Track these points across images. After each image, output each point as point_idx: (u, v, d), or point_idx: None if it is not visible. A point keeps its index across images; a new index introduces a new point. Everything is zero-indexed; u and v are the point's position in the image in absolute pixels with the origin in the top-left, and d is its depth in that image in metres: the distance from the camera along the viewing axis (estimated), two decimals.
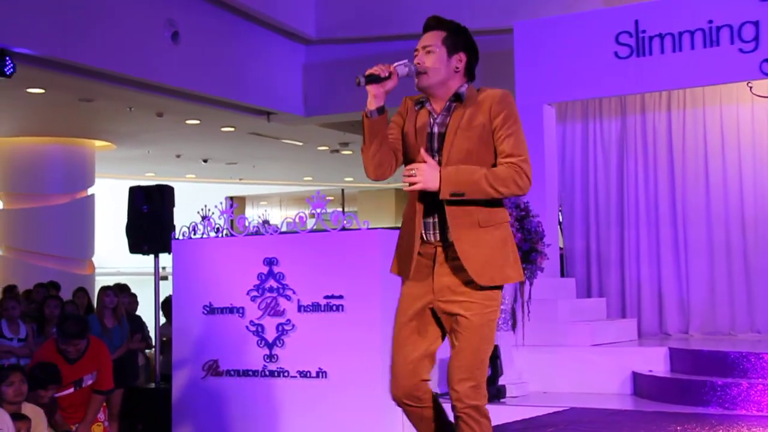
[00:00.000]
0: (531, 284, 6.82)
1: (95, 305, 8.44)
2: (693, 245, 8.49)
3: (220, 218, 7.15)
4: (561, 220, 9.11)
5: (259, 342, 6.77)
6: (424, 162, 3.04)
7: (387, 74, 3.05)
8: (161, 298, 8.55)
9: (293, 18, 10.46)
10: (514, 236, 6.31)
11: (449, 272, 3.10)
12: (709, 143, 8.47)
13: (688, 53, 7.70)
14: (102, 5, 8.46)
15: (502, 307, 6.65)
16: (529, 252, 6.65)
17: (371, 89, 3.06)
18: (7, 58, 7.74)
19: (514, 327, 6.84)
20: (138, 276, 13.01)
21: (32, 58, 8.13)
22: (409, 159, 3.18)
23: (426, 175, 3.01)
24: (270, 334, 6.75)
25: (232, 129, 12.31)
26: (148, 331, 8.57)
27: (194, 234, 7.16)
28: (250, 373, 6.79)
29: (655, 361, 6.89)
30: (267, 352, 6.74)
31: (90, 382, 5.90)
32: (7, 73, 7.77)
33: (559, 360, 7.00)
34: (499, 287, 3.15)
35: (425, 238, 3.14)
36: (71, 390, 5.84)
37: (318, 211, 6.64)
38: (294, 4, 10.48)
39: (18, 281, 10.98)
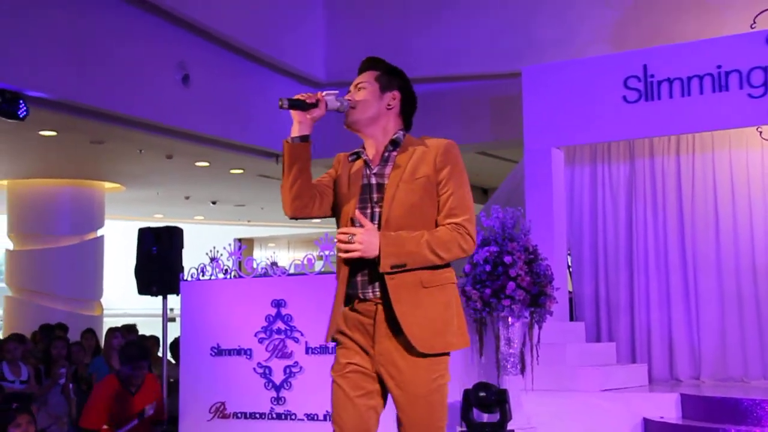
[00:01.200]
0: (540, 328, 6.77)
1: (103, 346, 8.42)
2: (703, 291, 8.43)
3: (228, 259, 7.15)
4: (570, 263, 9.08)
5: (267, 384, 6.73)
6: (361, 226, 2.85)
7: (314, 101, 2.95)
8: (169, 340, 8.52)
9: (303, 61, 10.55)
10: (522, 279, 6.35)
11: (390, 334, 2.88)
12: (718, 188, 8.46)
13: (697, 98, 7.73)
14: (114, 49, 8.55)
15: (510, 350, 6.66)
16: (538, 296, 6.62)
17: (295, 115, 2.97)
18: (21, 102, 7.82)
19: (522, 371, 6.78)
20: (146, 317, 13.00)
21: (45, 101, 8.21)
22: (339, 210, 3.02)
23: (365, 242, 2.80)
24: (277, 377, 6.70)
25: (241, 171, 12.36)
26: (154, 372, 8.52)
27: (203, 275, 7.16)
28: (258, 415, 6.74)
29: (667, 408, 6.81)
30: (274, 394, 6.70)
31: (151, 412, 5.88)
32: (21, 116, 7.84)
33: (568, 405, 6.93)
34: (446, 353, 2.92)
35: (363, 296, 2.93)
36: (135, 422, 5.79)
37: (326, 253, 6.63)
38: (304, 48, 10.58)
39: (26, 322, 11.00)
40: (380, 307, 2.91)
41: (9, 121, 7.88)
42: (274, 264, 7.06)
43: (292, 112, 2.96)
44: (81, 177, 12.69)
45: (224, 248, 7.30)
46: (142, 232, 7.98)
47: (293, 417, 6.61)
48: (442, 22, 9.96)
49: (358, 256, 2.84)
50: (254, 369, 6.79)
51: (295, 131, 2.98)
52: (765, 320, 8.19)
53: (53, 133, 9.71)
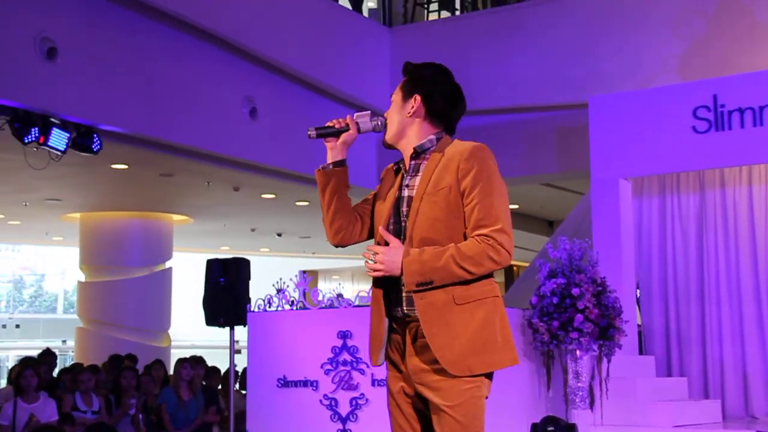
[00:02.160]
0: (609, 361, 6.66)
1: (172, 377, 8.52)
2: None
3: (295, 291, 7.19)
4: (638, 296, 8.92)
5: (333, 416, 6.73)
6: (386, 243, 2.76)
7: (343, 125, 2.90)
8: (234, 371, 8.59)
9: (367, 92, 10.63)
10: (590, 311, 6.26)
11: (420, 351, 2.76)
12: None
13: None
14: (184, 83, 8.74)
15: (578, 384, 6.56)
16: (607, 328, 6.52)
17: (328, 143, 2.92)
18: (95, 136, 8.03)
19: (591, 405, 6.67)
20: (212, 349, 13.12)
21: (118, 135, 8.41)
22: (374, 226, 2.93)
23: (387, 261, 2.71)
24: (343, 408, 6.70)
25: (307, 203, 12.46)
26: (223, 404, 8.59)
27: (269, 307, 7.21)
28: None
29: None
30: (341, 426, 6.69)
31: None
32: (95, 149, 8.05)
33: None
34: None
35: (394, 314, 2.81)
36: None
37: None
38: (368, 79, 10.66)
39: (97, 353, 11.20)
40: (411, 324, 2.79)
41: (83, 155, 8.09)
42: (339, 296, 7.08)
43: (325, 140, 2.92)
44: (150, 209, 12.93)
45: (291, 279, 7.35)
46: (210, 263, 8.07)
47: None
48: (508, 53, 9.96)
49: (381, 275, 2.75)
50: (320, 401, 6.79)
51: (328, 158, 2.95)
52: None
53: (124, 167, 9.93)
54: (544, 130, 9.71)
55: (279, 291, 7.21)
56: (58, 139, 7.72)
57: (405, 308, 2.77)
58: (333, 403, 6.74)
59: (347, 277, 23.04)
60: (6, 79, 7.20)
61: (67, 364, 13.72)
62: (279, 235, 15.80)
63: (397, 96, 2.93)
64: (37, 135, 7.54)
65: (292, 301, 7.19)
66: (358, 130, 2.92)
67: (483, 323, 2.71)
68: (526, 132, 9.84)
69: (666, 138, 8.06)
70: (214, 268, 7.99)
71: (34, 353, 11.20)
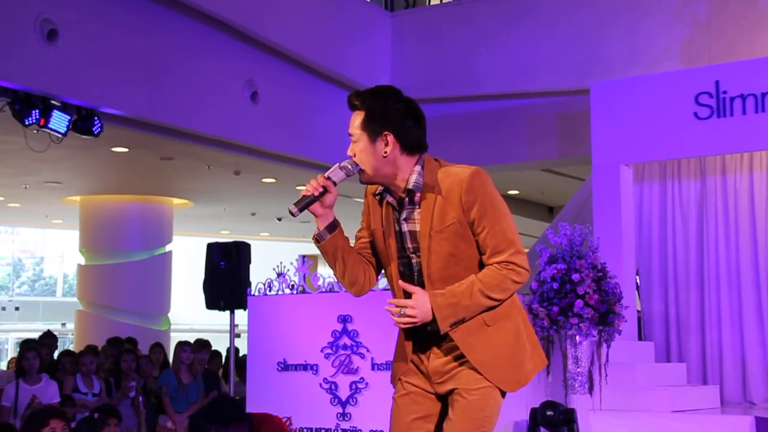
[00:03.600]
0: (608, 347, 6.67)
1: (171, 360, 8.54)
2: None
3: (295, 275, 7.21)
4: (638, 282, 8.93)
5: (333, 400, 6.75)
6: (410, 294, 2.74)
7: (321, 191, 2.73)
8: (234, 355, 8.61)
9: (369, 78, 10.60)
10: (590, 297, 6.27)
11: (440, 354, 2.84)
12: None
13: None
14: (185, 67, 8.73)
15: (578, 369, 6.57)
16: (607, 314, 6.53)
17: (313, 211, 2.75)
18: (96, 118, 8.01)
19: (591, 390, 6.68)
20: (212, 333, 13.15)
21: (119, 117, 8.41)
22: (381, 263, 2.91)
23: (418, 312, 2.72)
24: (343, 392, 6.72)
25: None
26: (223, 388, 8.61)
27: (269, 291, 7.23)
28: (324, 431, 6.76)
29: (740, 431, 6.64)
30: (340, 410, 6.71)
31: None
32: (95, 132, 8.04)
33: (637, 425, 6.80)
34: None
35: (417, 334, 2.86)
36: None
37: None
38: (370, 63, 10.64)
39: (97, 336, 11.21)
40: (434, 351, 2.87)
41: (84, 137, 8.08)
42: None
43: (307, 210, 2.75)
44: (151, 193, 12.92)
45: (291, 263, 7.36)
46: (210, 247, 8.10)
47: None
48: (510, 38, 9.94)
49: (413, 325, 2.77)
50: (320, 384, 6.82)
51: (320, 225, 2.79)
52: None
53: (125, 150, 9.92)
54: (546, 115, 9.70)
55: (279, 275, 7.23)
56: (59, 121, 7.71)
57: (432, 326, 2.78)
58: (333, 387, 6.77)
59: None
60: (6, 60, 7.18)
61: (67, 347, 13.77)
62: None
63: (360, 136, 2.75)
64: (37, 117, 7.53)
65: (293, 285, 7.21)
66: (334, 185, 2.76)
67: (515, 336, 2.82)
68: (527, 117, 9.83)
69: (667, 124, 8.05)
70: (215, 251, 8.02)
71: (34, 336, 11.23)
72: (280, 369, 7.03)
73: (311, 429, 6.81)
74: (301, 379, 6.91)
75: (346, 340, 6.79)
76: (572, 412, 6.20)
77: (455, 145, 10.15)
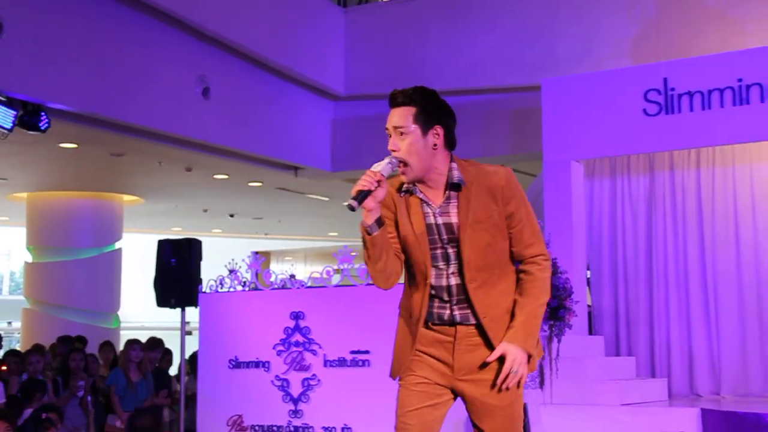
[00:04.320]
0: (559, 341, 6.73)
1: (121, 359, 8.43)
2: (723, 305, 8.36)
3: (247, 272, 7.16)
4: (589, 277, 9.02)
5: (285, 397, 6.72)
6: (504, 355, 2.89)
7: (375, 186, 2.81)
8: (186, 353, 8.53)
9: (322, 74, 10.58)
10: None
11: (470, 350, 2.97)
12: (739, 202, 8.39)
13: (718, 111, 7.68)
14: (135, 62, 8.61)
15: None
16: (557, 309, 6.59)
17: (365, 205, 2.82)
18: (42, 114, 7.87)
19: (542, 384, 6.74)
20: (163, 331, 13.01)
21: (66, 113, 8.27)
22: (409, 255, 2.99)
23: (521, 363, 2.89)
24: (295, 389, 6.69)
25: (260, 184, 12.39)
26: (175, 387, 8.52)
27: (221, 287, 7.17)
28: (275, 428, 6.73)
29: (687, 423, 6.74)
30: (292, 407, 6.68)
31: None
32: (42, 128, 7.89)
33: (587, 419, 6.87)
34: None
35: (439, 320, 2.99)
36: None
37: (345, 266, 6.63)
38: (323, 61, 10.61)
39: (44, 334, 11.04)
40: (458, 327, 2.98)
41: (30, 133, 7.94)
42: (292, 276, 7.07)
43: (353, 203, 2.83)
44: (100, 189, 12.75)
45: (243, 260, 7.31)
46: (161, 244, 8.00)
47: (311, 430, 6.59)
48: (462, 35, 9.97)
49: (526, 372, 2.92)
50: (272, 381, 6.78)
51: (369, 218, 2.84)
52: None
53: (74, 146, 9.77)
54: (498, 111, 9.75)
55: (231, 272, 7.18)
56: (4, 116, 7.56)
57: (453, 314, 2.97)
58: (285, 384, 6.73)
59: (300, 259, 22.98)
60: None
61: (13, 347, 13.53)
62: (231, 215, 15.70)
63: (413, 130, 2.89)
64: None
65: (245, 282, 7.16)
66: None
67: None
68: (479, 114, 9.87)
69: (617, 120, 8.14)
70: (166, 248, 7.93)
71: None
72: (231, 366, 6.97)
73: (263, 426, 6.77)
74: (253, 376, 6.87)
75: (298, 337, 6.76)
76: (524, 406, 6.23)
77: None
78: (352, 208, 2.80)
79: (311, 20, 10.52)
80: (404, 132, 2.90)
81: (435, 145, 2.91)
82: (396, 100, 2.94)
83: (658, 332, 8.57)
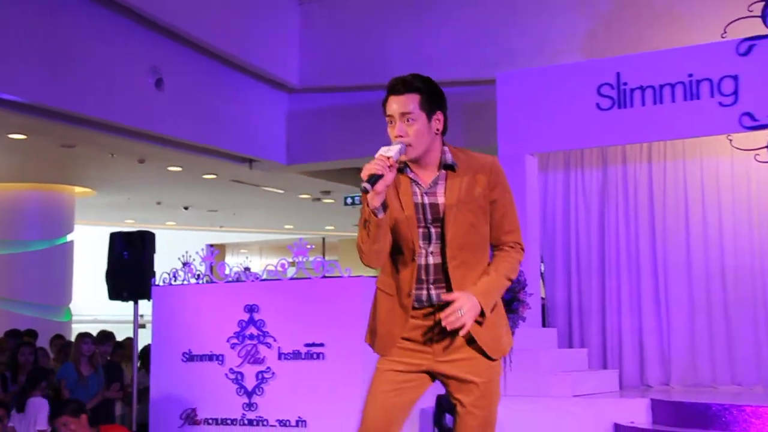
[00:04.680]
0: (513, 333, 6.77)
1: (71, 352, 8.32)
2: (674, 297, 8.50)
3: (201, 264, 7.10)
4: (542, 270, 9.11)
5: (239, 390, 6.69)
6: (454, 300, 2.95)
7: (386, 168, 2.90)
8: (139, 346, 8.44)
9: (277, 66, 10.52)
10: None
11: (447, 332, 3.02)
12: (689, 195, 8.53)
13: (669, 106, 7.79)
14: (87, 51, 8.48)
15: None
16: (511, 301, 6.63)
17: (376, 188, 2.89)
18: None
19: None
20: (116, 324, 12.87)
21: (15, 103, 8.12)
22: (397, 233, 3.06)
23: (471, 310, 2.94)
24: (249, 382, 6.66)
25: (214, 176, 12.30)
26: (127, 381, 8.43)
27: (174, 280, 7.11)
28: (229, 421, 6.69)
29: (637, 413, 6.85)
30: (246, 400, 6.65)
31: None
32: None
33: (540, 410, 6.94)
34: None
35: (418, 305, 3.05)
36: None
37: (300, 258, 6.60)
38: (278, 53, 10.55)
39: None
40: (437, 312, 3.03)
41: None
42: (246, 269, 7.03)
43: (367, 186, 2.91)
44: (51, 181, 12.56)
45: (197, 253, 7.25)
46: (113, 237, 7.91)
47: (265, 423, 6.57)
48: (418, 28, 9.98)
49: (471, 323, 2.97)
50: (226, 375, 6.74)
51: (377, 201, 2.90)
52: (733, 326, 8.26)
53: (22, 137, 9.60)
54: (452, 105, 9.62)
55: (185, 264, 7.12)
56: None
57: (431, 297, 3.06)
58: (239, 377, 6.70)
59: (255, 251, 22.87)
60: None
61: None
62: (186, 208, 15.58)
63: (419, 116, 3.01)
64: None
65: (198, 275, 7.10)
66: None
67: (500, 315, 3.16)
68: None
69: (571, 114, 8.22)
70: (118, 241, 7.84)
71: None
72: (185, 360, 6.92)
73: (216, 419, 6.73)
74: (207, 369, 6.82)
75: (252, 330, 6.73)
76: None
77: (363, 134, 10.16)
78: (365, 191, 2.88)
79: (266, 12, 10.45)
80: (412, 118, 3.01)
81: (437, 130, 3.06)
82: (397, 88, 3.04)
83: (610, 324, 8.69)
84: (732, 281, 8.29)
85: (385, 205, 2.94)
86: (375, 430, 3.06)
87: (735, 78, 7.56)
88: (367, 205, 2.91)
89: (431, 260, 3.04)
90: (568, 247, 9.01)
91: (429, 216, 3.04)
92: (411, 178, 3.07)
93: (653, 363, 8.49)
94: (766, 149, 7.50)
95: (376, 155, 2.91)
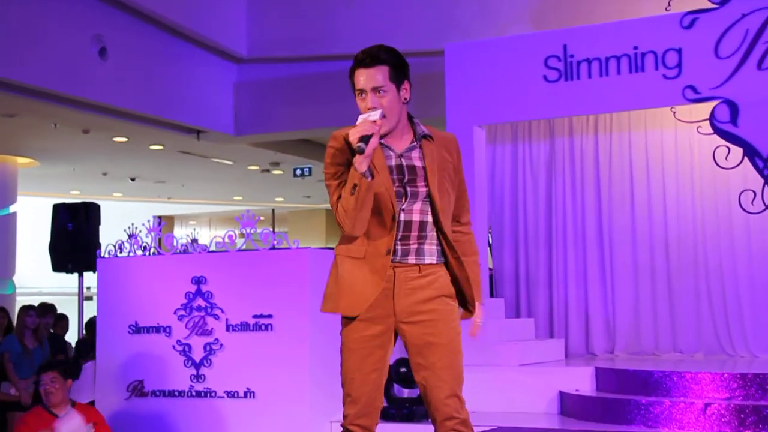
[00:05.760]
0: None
1: (15, 325, 8.21)
2: (619, 267, 8.64)
3: (147, 236, 7.04)
4: (490, 240, 9.19)
5: (186, 362, 6.66)
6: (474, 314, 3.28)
7: (377, 129, 2.99)
8: (85, 318, 8.36)
9: (225, 36, 10.39)
10: None
11: (409, 293, 3.11)
12: (634, 167, 8.65)
13: (615, 78, 7.87)
14: (27, 20, 8.28)
15: None
16: None
17: (368, 149, 2.97)
18: None
19: None
20: (62, 296, 12.73)
21: None
22: (375, 197, 3.08)
23: (480, 316, 3.29)
24: (197, 354, 6.64)
25: (161, 147, 12.15)
26: (72, 353, 8.35)
27: (120, 252, 7.03)
28: (176, 393, 6.67)
29: (582, 381, 6.97)
30: (194, 372, 6.63)
31: None
32: None
33: (487, 380, 7.02)
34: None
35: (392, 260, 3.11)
36: None
37: (248, 230, 6.57)
38: (225, 23, 10.41)
39: None
40: (397, 269, 3.11)
41: None
42: (194, 241, 6.98)
43: (362, 145, 2.97)
44: None
45: (143, 225, 7.18)
46: (56, 208, 7.81)
47: (213, 394, 6.56)
48: None
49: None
50: (173, 347, 6.71)
51: (364, 166, 2.98)
52: (676, 294, 8.43)
53: None
54: None
55: (131, 236, 7.04)
56: None
57: (399, 248, 3.12)
58: (186, 349, 6.67)
59: (204, 223, 22.70)
60: None
61: None
62: (132, 179, 15.38)
63: (390, 87, 3.09)
64: None
65: (145, 247, 7.04)
66: None
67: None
68: None
69: (519, 86, 8.25)
70: (62, 213, 7.75)
71: None
72: (131, 332, 6.87)
73: (164, 391, 6.70)
74: (154, 341, 6.78)
75: (200, 302, 6.69)
76: None
77: (312, 105, 10.10)
78: (361, 151, 2.94)
79: None
80: (383, 90, 3.08)
81: (406, 99, 3.14)
82: (365, 61, 3.09)
83: (556, 294, 8.81)
84: (675, 251, 8.45)
85: (371, 169, 3.02)
86: (368, 404, 3.13)
87: (678, 51, 7.65)
88: (356, 170, 2.97)
89: (402, 217, 3.11)
90: (516, 218, 9.10)
91: (405, 176, 3.11)
92: (382, 144, 3.12)
93: (598, 332, 8.63)
94: (708, 121, 7.62)
95: (359, 121, 2.99)
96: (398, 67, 3.11)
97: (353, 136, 2.95)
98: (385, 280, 3.09)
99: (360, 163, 2.97)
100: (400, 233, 3.11)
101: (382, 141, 3.12)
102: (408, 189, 3.10)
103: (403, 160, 3.12)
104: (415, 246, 3.12)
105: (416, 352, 3.13)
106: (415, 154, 3.13)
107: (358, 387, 3.11)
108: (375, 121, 2.98)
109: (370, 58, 3.07)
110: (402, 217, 3.10)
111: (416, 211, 3.11)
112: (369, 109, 3.05)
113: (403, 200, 3.11)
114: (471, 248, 3.29)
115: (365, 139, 2.95)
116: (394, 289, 3.10)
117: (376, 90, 3.06)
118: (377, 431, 3.20)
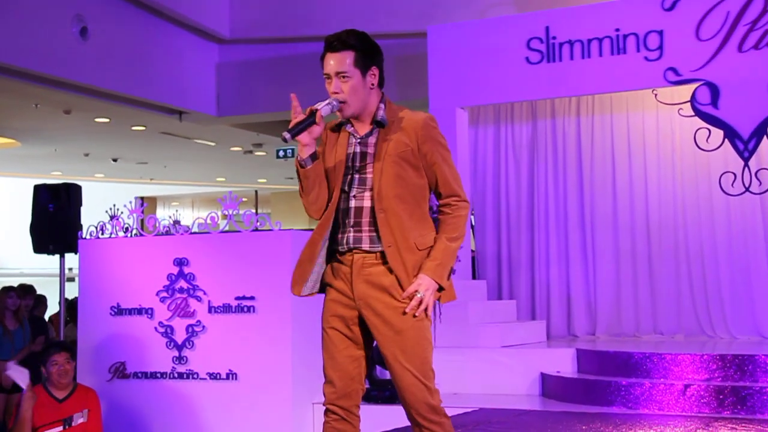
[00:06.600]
0: None
1: None
2: (600, 249, 8.68)
3: (129, 218, 7.01)
4: (473, 222, 9.21)
5: (168, 344, 6.66)
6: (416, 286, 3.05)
7: (309, 114, 3.02)
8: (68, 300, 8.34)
9: (207, 17, 10.33)
10: None
11: (366, 278, 3.09)
12: (616, 149, 8.68)
13: (597, 60, 7.89)
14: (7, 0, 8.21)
15: None
16: None
17: (300, 140, 3.05)
18: None
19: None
20: (43, 277, 12.68)
21: None
22: (329, 184, 3.16)
23: (429, 292, 3.05)
24: (179, 336, 6.64)
25: (143, 128, 12.09)
26: (53, 334, 8.33)
27: (102, 234, 7.01)
28: (159, 375, 6.68)
29: (563, 362, 7.02)
30: (176, 353, 6.64)
31: (81, 421, 5.59)
32: None
33: (469, 361, 7.07)
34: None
35: (341, 249, 3.11)
36: (60, 428, 5.57)
37: (230, 212, 6.56)
38: (208, 3, 10.35)
39: None
40: (355, 255, 3.11)
41: None
42: (176, 222, 6.96)
43: (296, 138, 3.04)
44: None
45: (125, 206, 7.15)
46: (37, 189, 7.77)
47: (195, 376, 6.57)
48: None
49: (433, 299, 3.08)
50: (155, 328, 6.71)
51: (304, 153, 3.08)
52: (656, 277, 8.48)
53: None
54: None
55: (112, 218, 7.02)
56: None
57: (349, 241, 3.12)
58: (168, 331, 6.67)
59: (187, 204, 22.62)
60: None
61: None
62: (114, 160, 15.30)
63: (354, 73, 3.10)
64: None
65: (127, 228, 7.02)
66: (323, 120, 3.10)
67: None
68: None
69: (501, 68, 8.26)
70: (43, 193, 7.70)
71: None
72: (113, 313, 6.86)
73: (146, 373, 6.71)
74: (136, 323, 6.78)
75: (182, 284, 6.69)
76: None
77: (294, 86, 10.05)
78: (284, 140, 3.00)
79: None
80: (347, 75, 3.09)
81: (372, 84, 3.14)
82: (333, 45, 3.10)
83: (538, 275, 8.85)
84: (656, 233, 8.50)
85: (314, 156, 3.08)
86: (345, 386, 3.12)
87: (660, 33, 7.67)
88: (297, 157, 3.04)
89: (352, 203, 3.12)
90: (498, 200, 9.12)
91: (357, 163, 3.14)
92: (349, 132, 3.18)
93: (580, 314, 8.68)
94: (689, 104, 7.65)
95: (306, 110, 3.03)
96: (366, 52, 3.12)
97: (291, 123, 3.02)
98: (344, 263, 3.11)
99: (300, 150, 3.07)
100: (352, 219, 3.11)
101: (350, 129, 3.17)
102: (357, 176, 3.14)
103: (358, 147, 3.16)
104: (370, 233, 3.10)
105: (378, 337, 3.11)
106: (371, 140, 3.15)
107: (330, 369, 3.13)
108: (316, 111, 3.01)
109: (338, 41, 3.10)
110: (353, 203, 3.11)
111: (366, 198, 3.11)
112: (332, 93, 3.10)
113: (354, 187, 3.13)
114: (443, 227, 3.16)
115: (294, 129, 3.00)
116: (352, 274, 3.11)
117: (339, 75, 3.08)
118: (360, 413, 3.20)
